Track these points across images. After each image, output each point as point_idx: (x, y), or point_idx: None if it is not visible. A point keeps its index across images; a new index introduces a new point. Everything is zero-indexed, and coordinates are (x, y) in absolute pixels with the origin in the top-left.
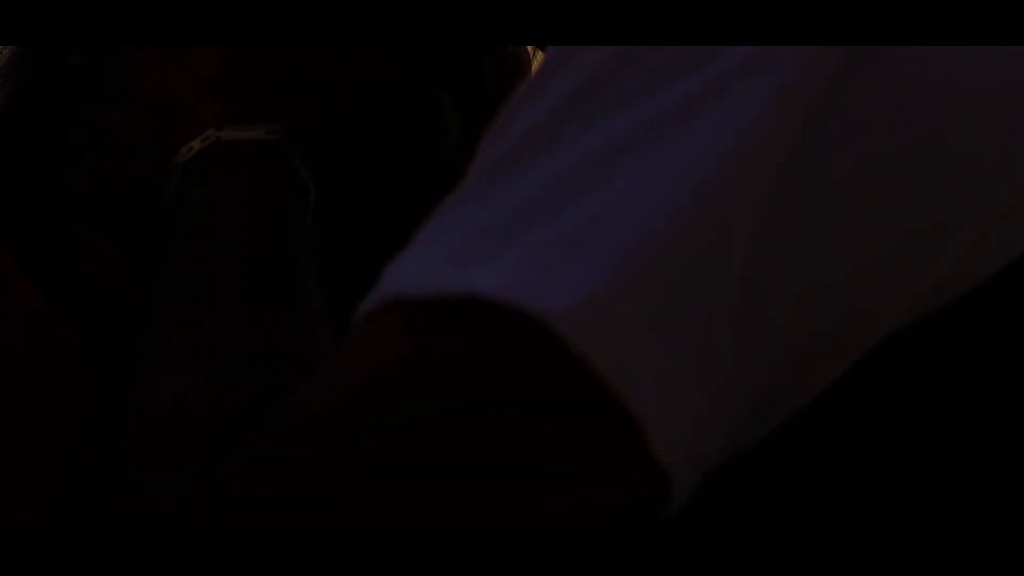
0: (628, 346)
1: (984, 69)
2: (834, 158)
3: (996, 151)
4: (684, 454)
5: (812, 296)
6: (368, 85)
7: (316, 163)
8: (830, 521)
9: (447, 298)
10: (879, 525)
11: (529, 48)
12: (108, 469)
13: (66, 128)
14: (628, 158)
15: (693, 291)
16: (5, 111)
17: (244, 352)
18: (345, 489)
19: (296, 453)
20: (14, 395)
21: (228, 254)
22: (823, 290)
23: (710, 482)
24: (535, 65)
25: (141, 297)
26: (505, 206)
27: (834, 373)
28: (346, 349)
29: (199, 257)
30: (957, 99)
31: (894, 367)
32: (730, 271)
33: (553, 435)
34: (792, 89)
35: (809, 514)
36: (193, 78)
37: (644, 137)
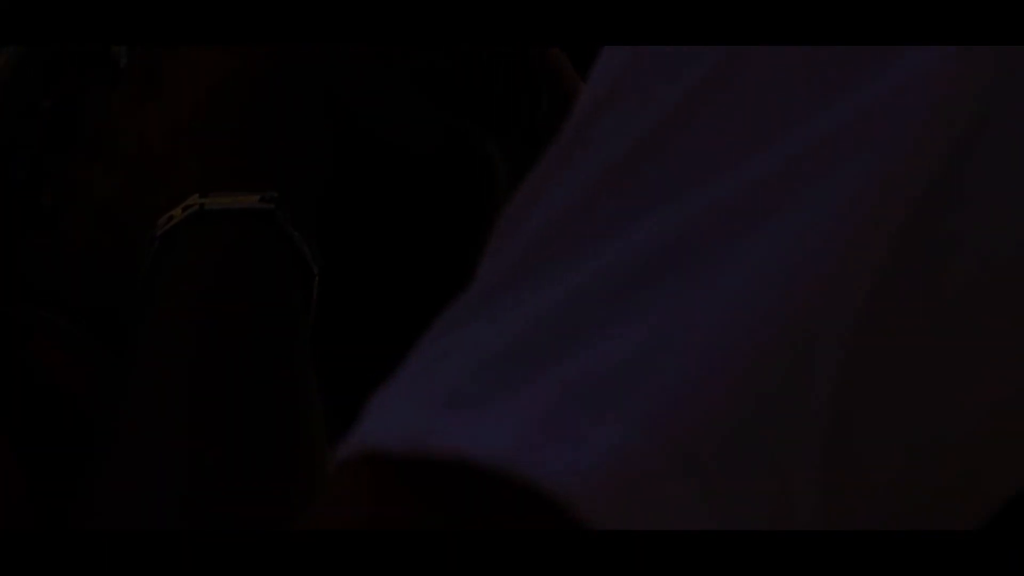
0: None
1: None
2: (948, 262)
3: None
4: None
5: (919, 451)
6: (391, 134)
7: (323, 236)
8: None
9: (429, 458)
10: None
11: None
12: None
13: (38, 186)
14: (674, 268)
15: (758, 453)
16: None
17: (198, 494)
18: None
19: None
20: None
21: (203, 356)
22: (934, 444)
23: None
24: None
25: (103, 405)
26: (512, 329)
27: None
28: (308, 513)
29: (162, 359)
30: None
31: None
32: (811, 422)
33: None
34: (895, 172)
35: None
36: (176, 126)
37: (695, 241)
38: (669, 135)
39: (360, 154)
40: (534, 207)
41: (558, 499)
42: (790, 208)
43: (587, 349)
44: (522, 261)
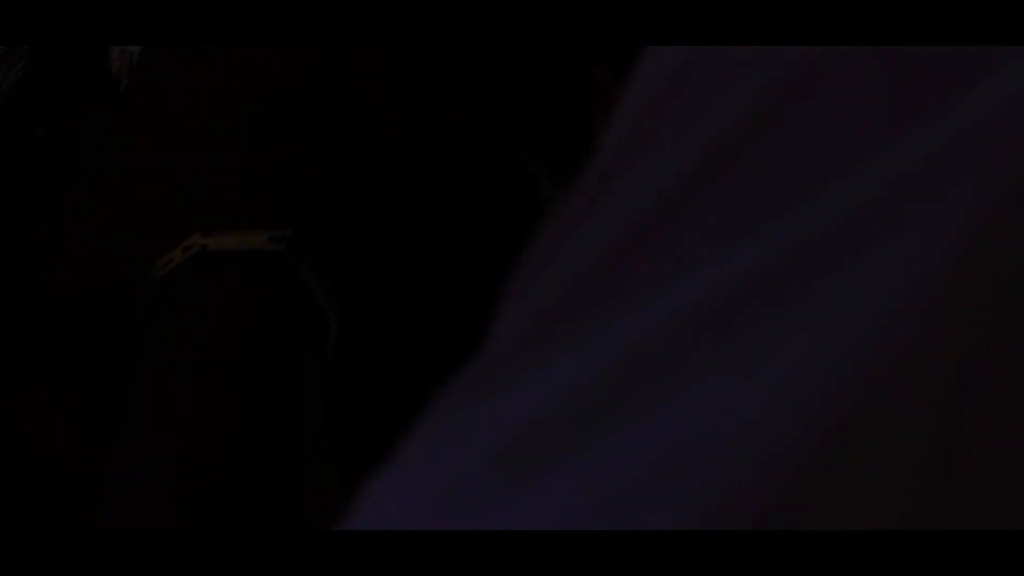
0: None
1: None
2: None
3: None
4: None
5: None
6: (419, 155)
7: (344, 275)
8: None
9: None
10: None
11: None
12: None
13: (32, 221)
14: (721, 331)
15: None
16: None
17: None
18: None
19: None
20: None
21: (199, 414)
22: None
23: None
24: None
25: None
26: (514, 417)
27: None
28: None
29: (152, 417)
30: None
31: None
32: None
33: None
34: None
35: None
36: (176, 156)
37: (738, 311)
38: (714, 175)
39: (384, 180)
40: (550, 264)
41: None
42: (879, 246)
43: (609, 437)
44: (536, 329)
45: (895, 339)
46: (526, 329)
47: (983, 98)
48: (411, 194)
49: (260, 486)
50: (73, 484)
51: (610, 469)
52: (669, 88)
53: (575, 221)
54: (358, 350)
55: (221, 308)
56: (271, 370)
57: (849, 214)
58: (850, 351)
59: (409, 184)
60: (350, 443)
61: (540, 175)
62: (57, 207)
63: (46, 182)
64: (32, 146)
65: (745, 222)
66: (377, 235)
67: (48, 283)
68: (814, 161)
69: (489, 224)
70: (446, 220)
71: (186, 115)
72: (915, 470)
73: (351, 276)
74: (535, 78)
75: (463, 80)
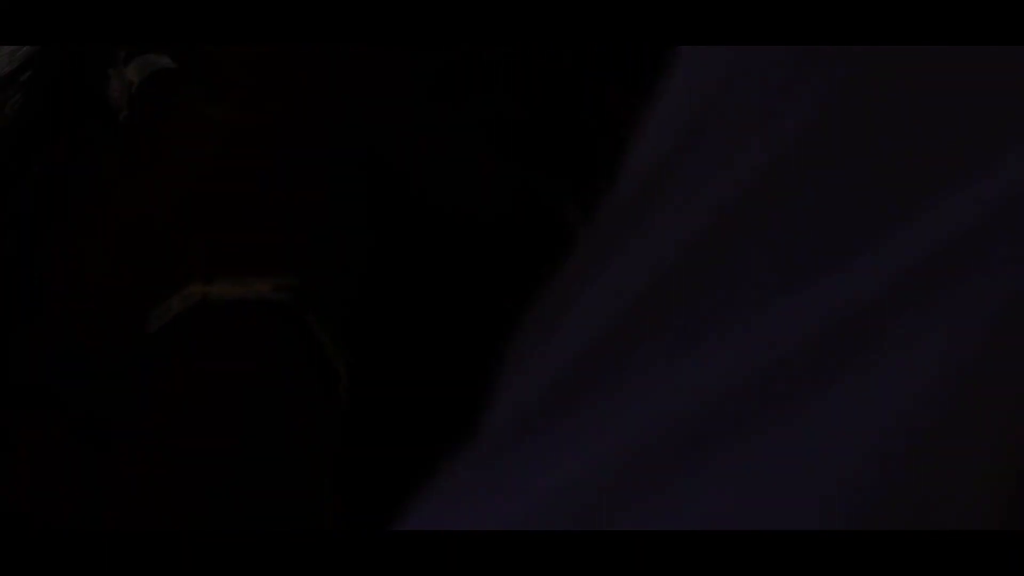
0: None
1: None
2: None
3: None
4: None
5: None
6: (448, 197)
7: (362, 326)
8: None
9: None
10: None
11: None
12: None
13: (28, 263)
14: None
15: None
16: None
17: None
18: None
19: None
20: None
21: (195, 477)
22: None
23: None
24: None
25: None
26: (528, 490)
27: None
28: None
29: (146, 476)
30: None
31: None
32: None
33: None
34: None
35: None
36: (178, 196)
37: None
38: (747, 222)
39: (409, 224)
40: (561, 325)
41: None
42: (932, 308)
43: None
44: (544, 403)
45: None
46: (535, 401)
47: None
48: (439, 237)
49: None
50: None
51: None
52: (692, 129)
53: (584, 279)
54: (373, 402)
55: (221, 368)
56: (280, 426)
57: (890, 278)
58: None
59: (437, 226)
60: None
61: (570, 212)
62: (51, 248)
63: (42, 222)
64: (27, 183)
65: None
66: (399, 283)
67: (40, 331)
68: (843, 222)
69: (517, 269)
70: (473, 267)
71: (189, 151)
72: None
73: (368, 325)
74: (563, 106)
75: (492, 113)
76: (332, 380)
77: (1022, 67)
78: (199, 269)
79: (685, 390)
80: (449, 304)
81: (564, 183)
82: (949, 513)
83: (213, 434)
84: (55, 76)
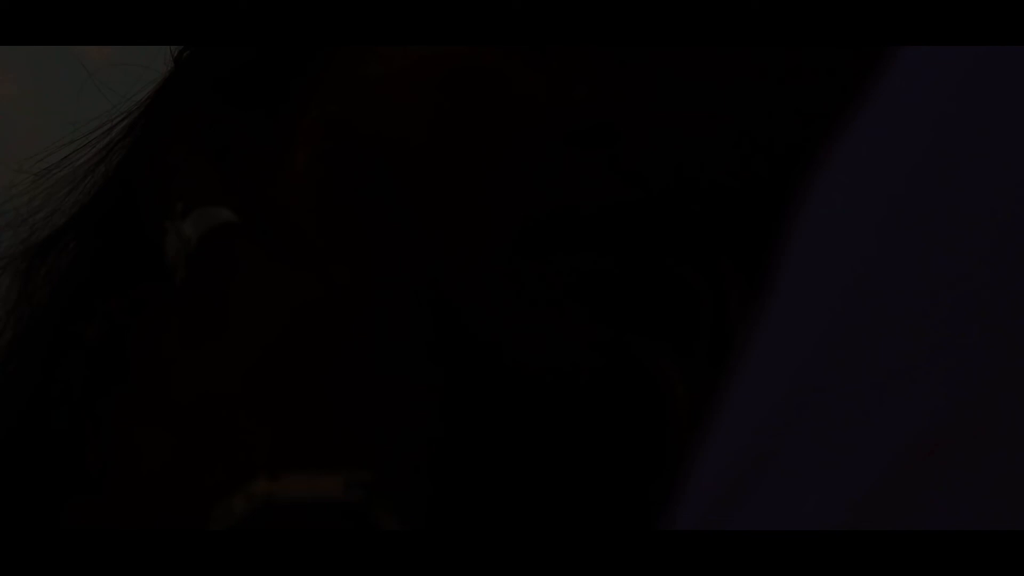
0: None
1: None
2: None
3: None
4: None
5: None
6: (531, 357)
7: (442, 509)
8: None
9: None
10: None
11: None
12: None
13: (82, 439)
14: None
15: None
16: None
17: None
18: None
19: None
20: None
21: None
22: None
23: None
24: None
25: None
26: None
27: None
28: None
29: None
30: None
31: None
32: None
33: None
34: None
35: None
36: (241, 376)
37: None
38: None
39: (488, 390)
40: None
41: None
42: None
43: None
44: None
45: None
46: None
47: None
48: (522, 402)
49: None
50: None
51: None
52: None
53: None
54: None
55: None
56: None
57: None
58: None
59: (519, 390)
60: None
61: (673, 376)
62: (108, 425)
63: (97, 393)
64: (80, 350)
65: None
66: (479, 462)
67: (96, 516)
68: None
69: (611, 432)
70: (564, 427)
71: (252, 320)
72: None
73: (446, 514)
74: (665, 262)
75: (584, 268)
76: None
77: None
78: (264, 460)
79: None
80: (536, 474)
81: (663, 344)
82: None
83: None
84: (108, 230)
